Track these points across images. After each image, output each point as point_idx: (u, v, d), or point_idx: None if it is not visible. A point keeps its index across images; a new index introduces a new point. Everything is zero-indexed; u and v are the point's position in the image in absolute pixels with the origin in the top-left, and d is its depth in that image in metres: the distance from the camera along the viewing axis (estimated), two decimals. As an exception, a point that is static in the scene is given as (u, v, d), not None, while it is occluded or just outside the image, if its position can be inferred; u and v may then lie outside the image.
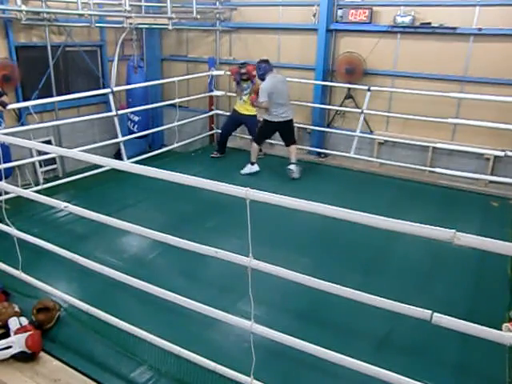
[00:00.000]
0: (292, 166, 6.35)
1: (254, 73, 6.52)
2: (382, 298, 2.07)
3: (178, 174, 2.40)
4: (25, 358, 2.84)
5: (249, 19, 7.92)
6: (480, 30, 6.03)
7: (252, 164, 6.49)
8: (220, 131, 7.52)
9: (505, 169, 6.18)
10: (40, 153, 5.69)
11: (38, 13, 6.39)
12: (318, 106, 7.29)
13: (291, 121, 6.39)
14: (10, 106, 5.10)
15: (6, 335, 2.93)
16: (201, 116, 7.98)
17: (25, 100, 6.68)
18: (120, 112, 6.32)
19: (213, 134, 8.17)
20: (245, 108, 6.85)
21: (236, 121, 7.09)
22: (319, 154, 7.41)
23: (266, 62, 6.29)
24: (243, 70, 6.74)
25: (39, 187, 5.35)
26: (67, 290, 3.31)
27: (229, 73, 7.13)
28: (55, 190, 5.42)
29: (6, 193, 3.74)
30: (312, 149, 7.50)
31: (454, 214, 5.21)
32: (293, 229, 4.62)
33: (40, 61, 6.78)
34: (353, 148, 6.83)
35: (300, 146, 7.58)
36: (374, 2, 6.73)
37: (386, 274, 3.97)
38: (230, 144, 7.83)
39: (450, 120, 6.19)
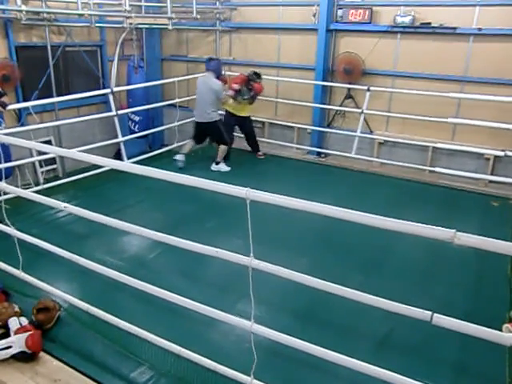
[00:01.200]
0: (178, 156, 6.61)
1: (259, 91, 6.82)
2: (383, 299, 2.07)
3: (178, 174, 2.41)
4: (25, 358, 2.84)
5: (249, 19, 7.92)
6: (480, 29, 6.03)
7: (217, 164, 6.71)
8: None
9: (505, 169, 6.18)
10: (40, 153, 5.69)
11: (37, 13, 6.38)
12: (317, 106, 7.29)
13: (205, 124, 6.50)
14: (10, 107, 5.09)
15: (6, 335, 2.93)
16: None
17: (25, 100, 6.67)
18: (120, 112, 6.32)
19: (213, 134, 8.16)
20: (240, 109, 6.93)
21: (232, 122, 7.07)
22: (319, 154, 7.41)
23: (209, 60, 6.65)
24: (252, 84, 6.77)
25: (39, 187, 5.35)
26: (67, 290, 3.31)
27: (236, 86, 6.74)
28: (55, 190, 5.43)
29: (6, 193, 3.74)
30: (312, 149, 7.50)
31: (454, 214, 5.21)
32: (293, 229, 4.63)
33: (40, 61, 6.78)
34: (353, 148, 6.83)
35: (300, 146, 7.61)
36: (374, 1, 6.73)
37: (386, 274, 3.97)
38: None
39: (449, 120, 6.19)
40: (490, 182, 6.18)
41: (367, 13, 6.67)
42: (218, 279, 3.80)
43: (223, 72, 7.68)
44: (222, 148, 6.63)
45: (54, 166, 7.20)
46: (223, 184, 2.24)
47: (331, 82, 7.28)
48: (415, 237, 1.89)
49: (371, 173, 6.72)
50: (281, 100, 7.67)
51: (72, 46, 7.30)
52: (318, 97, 7.28)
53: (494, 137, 6.12)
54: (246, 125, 7.12)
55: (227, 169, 6.67)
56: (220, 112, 6.75)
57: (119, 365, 2.86)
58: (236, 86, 6.66)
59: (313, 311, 3.41)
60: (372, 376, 2.20)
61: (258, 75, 6.86)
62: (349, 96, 7.19)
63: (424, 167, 6.58)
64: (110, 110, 6.22)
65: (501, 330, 2.77)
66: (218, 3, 7.85)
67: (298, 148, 7.61)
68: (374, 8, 6.68)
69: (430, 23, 6.31)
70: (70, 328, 3.16)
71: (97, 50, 7.97)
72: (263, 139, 7.85)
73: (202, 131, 6.63)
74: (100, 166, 5.48)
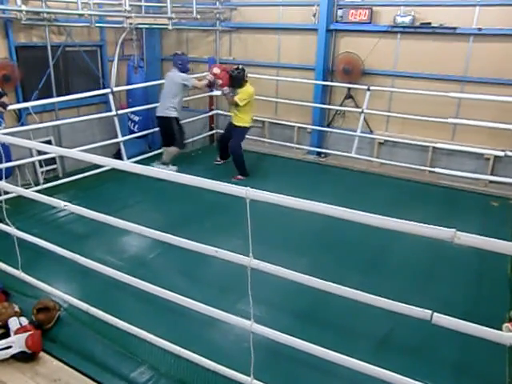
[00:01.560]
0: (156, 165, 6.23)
1: (220, 82, 6.22)
2: (383, 298, 2.07)
3: (178, 173, 2.41)
4: (25, 357, 2.84)
5: (249, 19, 7.92)
6: (480, 29, 6.03)
7: (163, 163, 6.40)
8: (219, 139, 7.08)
9: (505, 169, 6.18)
10: (40, 153, 5.70)
11: (37, 13, 6.38)
12: (318, 106, 7.29)
13: (161, 119, 6.27)
14: (10, 107, 5.09)
15: (6, 335, 2.93)
16: (201, 116, 7.98)
17: (25, 100, 6.67)
18: (120, 112, 6.32)
19: (213, 134, 8.18)
20: (235, 119, 6.46)
21: (229, 130, 6.74)
22: (319, 153, 7.42)
23: (174, 56, 6.51)
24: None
25: (39, 187, 5.36)
26: (67, 290, 3.31)
27: (215, 69, 6.35)
28: (55, 190, 5.42)
29: (6, 193, 3.74)
30: (312, 149, 7.50)
31: (454, 214, 5.22)
32: (292, 229, 4.63)
33: (40, 61, 6.77)
34: (353, 148, 6.83)
35: (300, 146, 7.61)
36: (374, 1, 6.73)
37: (386, 274, 3.97)
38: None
39: (450, 120, 6.20)
40: (490, 182, 6.18)
41: (367, 13, 6.67)
42: (217, 279, 3.80)
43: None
44: (171, 149, 6.34)
45: (54, 166, 7.19)
46: (223, 183, 2.24)
47: (331, 81, 7.28)
48: (415, 236, 1.89)
49: (371, 173, 6.72)
50: (281, 100, 7.67)
51: (72, 45, 7.30)
52: (318, 97, 7.28)
53: (494, 137, 6.12)
54: (233, 134, 6.47)
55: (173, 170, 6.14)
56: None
57: (119, 365, 2.86)
58: (216, 70, 6.27)
59: (313, 311, 3.41)
60: (372, 376, 2.20)
61: (238, 70, 6.25)
62: (349, 96, 7.19)
63: (424, 167, 6.58)
64: (110, 110, 6.23)
65: (501, 330, 2.77)
66: (217, 3, 7.85)
67: (297, 148, 7.60)
68: (374, 8, 6.68)
69: (430, 23, 6.31)
70: (69, 328, 3.16)
71: (97, 50, 7.96)
72: (263, 139, 7.86)
73: (161, 128, 6.42)
74: (100, 166, 5.50)
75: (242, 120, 6.38)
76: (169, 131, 6.31)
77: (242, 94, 6.21)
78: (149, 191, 5.64)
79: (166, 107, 6.18)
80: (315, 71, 7.25)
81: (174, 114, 6.21)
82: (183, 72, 6.27)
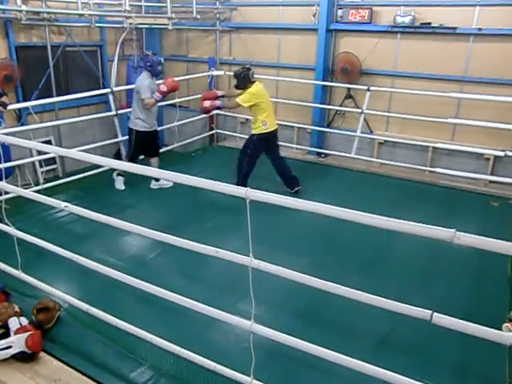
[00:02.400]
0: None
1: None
2: (383, 298, 2.07)
3: (178, 173, 2.41)
4: (25, 358, 2.83)
5: (249, 19, 7.92)
6: (480, 29, 6.03)
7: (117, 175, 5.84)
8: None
9: (505, 169, 6.18)
10: (40, 153, 5.70)
11: (37, 13, 6.39)
12: (317, 106, 7.29)
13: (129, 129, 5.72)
14: (10, 107, 5.09)
15: (6, 335, 2.93)
16: (201, 116, 7.97)
17: (25, 100, 6.68)
18: (120, 112, 6.33)
19: (213, 134, 8.18)
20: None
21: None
22: (319, 154, 7.42)
23: (145, 56, 5.83)
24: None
25: (39, 187, 5.36)
26: (67, 290, 3.31)
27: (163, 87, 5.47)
28: (55, 190, 5.43)
29: (6, 193, 3.74)
30: (312, 149, 7.50)
31: (454, 214, 5.21)
32: (292, 229, 4.63)
33: (40, 61, 6.78)
34: (353, 148, 6.83)
35: (300, 146, 7.61)
36: (374, 1, 6.73)
37: (386, 274, 3.97)
38: (230, 144, 7.88)
39: (449, 120, 6.21)
40: (490, 182, 6.18)
41: (367, 13, 6.68)
42: (218, 279, 3.80)
43: (225, 72, 7.63)
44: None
45: (54, 166, 7.20)
46: (223, 184, 2.24)
47: (331, 81, 7.28)
48: (415, 237, 1.89)
49: (371, 173, 6.71)
50: (281, 100, 7.67)
51: (72, 45, 7.30)
52: (318, 97, 7.28)
53: (494, 137, 6.12)
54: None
55: (121, 187, 5.82)
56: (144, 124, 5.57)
57: (119, 365, 2.86)
58: (163, 87, 5.42)
59: (313, 311, 3.41)
60: (372, 376, 2.20)
61: (243, 68, 5.53)
62: (349, 96, 7.19)
63: (424, 167, 6.58)
64: (110, 110, 6.23)
65: (501, 330, 2.77)
66: (217, 3, 7.85)
67: (297, 148, 7.60)
68: (374, 8, 6.68)
69: (430, 23, 6.31)
70: (69, 328, 3.16)
71: (97, 50, 7.97)
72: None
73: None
74: (100, 166, 5.50)
75: (253, 127, 5.54)
76: (129, 140, 5.76)
77: (245, 94, 5.42)
78: (149, 191, 5.65)
79: (133, 116, 5.60)
80: (315, 71, 7.25)
81: (136, 126, 5.55)
82: (155, 75, 5.54)
